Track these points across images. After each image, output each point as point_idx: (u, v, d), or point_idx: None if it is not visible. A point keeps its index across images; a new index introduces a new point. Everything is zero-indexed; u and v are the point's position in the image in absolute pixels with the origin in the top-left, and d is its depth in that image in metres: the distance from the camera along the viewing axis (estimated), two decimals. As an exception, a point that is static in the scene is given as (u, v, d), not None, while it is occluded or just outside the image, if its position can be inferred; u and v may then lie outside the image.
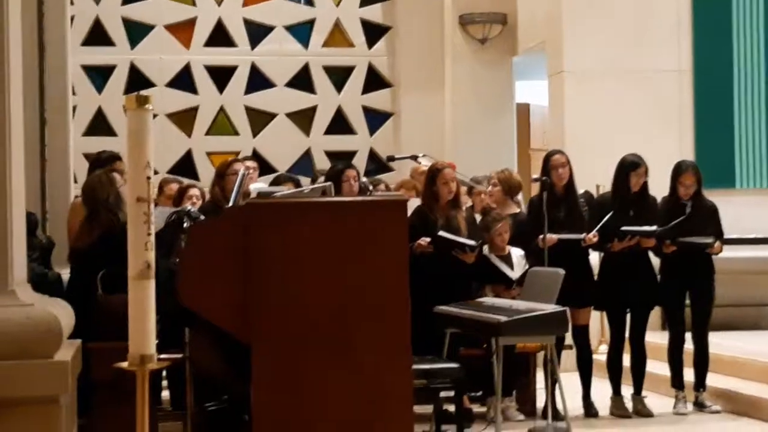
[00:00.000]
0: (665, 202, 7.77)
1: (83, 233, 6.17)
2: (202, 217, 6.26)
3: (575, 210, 7.67)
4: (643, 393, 7.72)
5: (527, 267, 7.47)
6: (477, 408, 7.53)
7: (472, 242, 7.21)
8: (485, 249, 7.55)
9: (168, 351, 4.79)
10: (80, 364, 4.50)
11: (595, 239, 7.49)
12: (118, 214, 6.03)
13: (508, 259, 7.61)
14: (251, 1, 12.53)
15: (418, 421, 5.99)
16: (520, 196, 8.68)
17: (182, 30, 12.40)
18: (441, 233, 7.15)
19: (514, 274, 7.46)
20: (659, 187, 7.80)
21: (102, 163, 7.10)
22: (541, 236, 7.42)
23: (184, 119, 12.36)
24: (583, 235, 7.49)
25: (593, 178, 8.72)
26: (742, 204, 10.05)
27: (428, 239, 7.14)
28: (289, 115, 12.53)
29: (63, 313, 4.08)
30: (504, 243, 7.59)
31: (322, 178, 8.25)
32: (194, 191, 7.91)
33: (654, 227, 7.53)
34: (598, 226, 7.49)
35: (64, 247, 6.83)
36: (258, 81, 12.48)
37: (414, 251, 6.80)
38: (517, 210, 8.06)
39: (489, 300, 6.95)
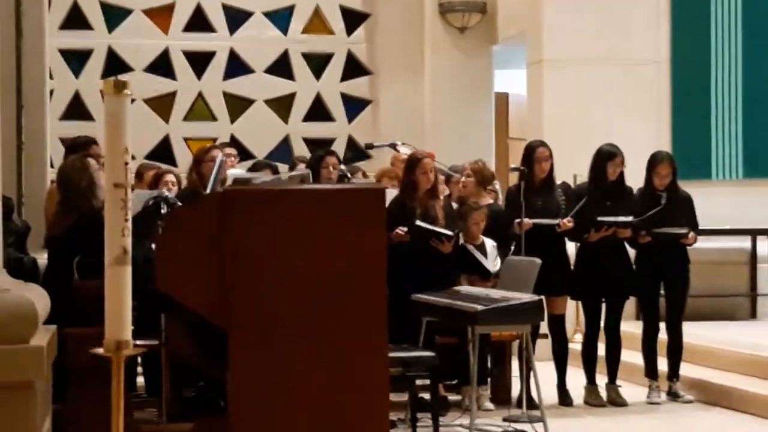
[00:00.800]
0: (641, 193, 7.80)
1: (57, 219, 6.15)
2: (180, 204, 6.24)
3: (553, 200, 7.70)
4: (618, 382, 7.76)
5: (498, 258, 7.49)
6: (452, 396, 7.55)
7: (449, 232, 7.23)
8: (461, 239, 7.57)
9: (144, 337, 4.78)
10: (56, 350, 4.49)
11: (570, 224, 7.51)
12: (91, 200, 6.00)
13: (481, 249, 7.63)
14: (230, -14, 12.49)
15: (394, 408, 6.01)
16: (497, 185, 8.70)
17: (160, 15, 12.34)
18: (418, 223, 7.16)
19: (492, 265, 7.48)
20: (636, 178, 7.84)
21: (78, 148, 7.07)
22: (518, 220, 7.44)
23: (162, 104, 12.32)
24: (558, 221, 7.52)
25: (571, 167, 8.75)
26: (718, 195, 10.10)
27: (405, 228, 7.15)
28: (268, 102, 12.50)
29: (39, 299, 4.07)
30: (479, 232, 7.61)
31: (301, 165, 8.25)
32: (170, 177, 7.90)
33: (630, 218, 7.56)
34: (573, 212, 7.52)
35: (40, 232, 6.81)
36: (236, 67, 12.44)
37: (391, 240, 6.80)
38: (491, 201, 8.08)
39: (465, 289, 6.97)
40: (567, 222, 7.51)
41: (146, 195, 6.38)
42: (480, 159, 8.49)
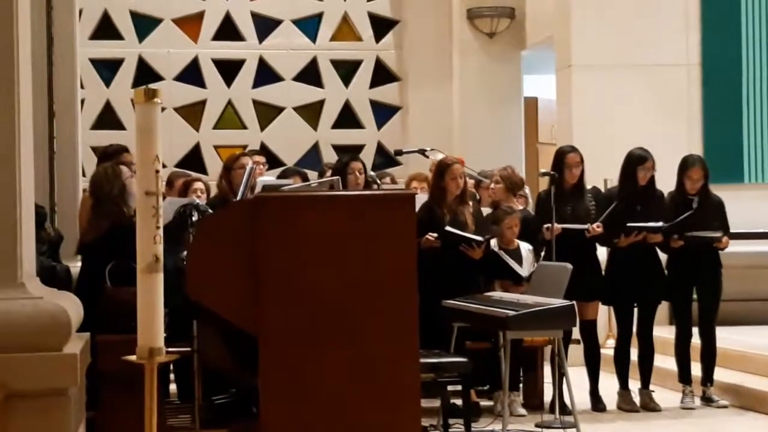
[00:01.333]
0: (672, 197, 7.76)
1: (90, 227, 6.18)
2: (210, 211, 6.26)
3: (582, 206, 7.67)
4: (651, 387, 7.72)
5: (535, 263, 7.47)
6: (484, 402, 7.53)
7: (479, 238, 7.21)
8: (495, 244, 7.56)
9: (176, 344, 4.80)
10: (89, 357, 4.51)
11: (599, 230, 7.48)
12: (123, 208, 6.03)
13: (516, 253, 7.62)
14: (259, -6, 12.54)
15: (426, 414, 6.00)
16: (527, 190, 8.68)
17: (190, 24, 12.40)
18: (448, 228, 7.15)
19: (524, 270, 7.46)
20: (667, 182, 7.80)
21: (109, 156, 7.11)
22: (546, 226, 7.42)
23: (192, 113, 12.37)
24: (587, 226, 7.49)
25: (601, 172, 8.71)
26: (750, 198, 10.03)
27: (435, 234, 7.14)
28: (297, 109, 12.54)
29: (71, 306, 4.09)
30: (513, 236, 7.60)
31: (329, 172, 8.26)
32: (199, 185, 7.93)
33: (660, 223, 7.52)
34: (603, 216, 7.49)
35: (73, 241, 6.85)
36: (266, 75, 12.48)
37: (421, 246, 6.80)
38: (521, 207, 8.06)
39: (496, 294, 6.95)
40: (596, 227, 7.48)
41: (177, 203, 6.41)
42: (509, 165, 8.47)
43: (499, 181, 8.10)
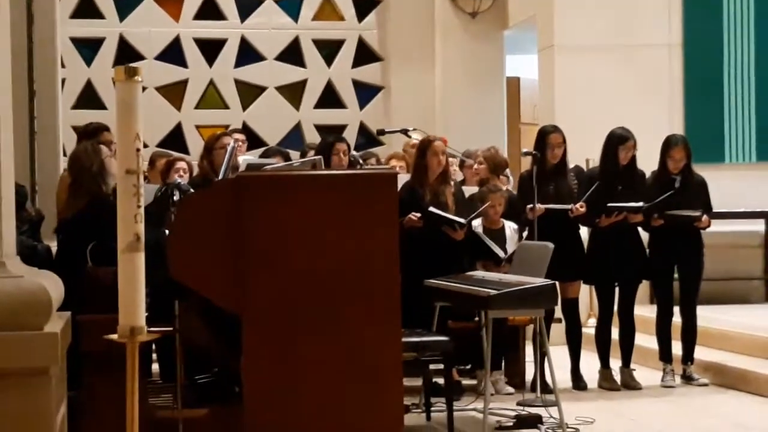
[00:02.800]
0: (654, 177, 7.78)
1: (67, 205, 6.15)
2: (192, 191, 6.24)
3: (565, 185, 7.68)
4: (632, 366, 7.76)
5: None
6: (466, 381, 7.56)
7: (461, 220, 7.22)
8: (479, 223, 7.57)
9: (157, 324, 4.79)
10: (70, 337, 4.50)
11: (583, 209, 7.50)
12: (101, 185, 6.00)
13: (501, 233, 7.63)
14: (241, -27, 12.48)
15: (408, 393, 6.02)
16: (508, 172, 8.69)
17: (171, 3, 12.33)
18: (431, 209, 7.15)
19: (503, 252, 7.48)
20: (649, 162, 7.82)
21: (89, 135, 7.07)
22: (530, 206, 7.43)
23: (174, 92, 12.32)
24: (570, 206, 7.51)
25: (583, 152, 8.73)
26: (731, 178, 10.07)
27: (418, 214, 7.15)
28: (279, 89, 12.50)
29: (52, 285, 4.08)
30: (497, 215, 7.62)
31: (311, 152, 8.25)
32: (181, 164, 7.91)
33: (640, 203, 7.54)
34: (585, 196, 7.51)
35: (54, 220, 6.83)
36: (248, 54, 12.43)
37: (404, 225, 6.80)
38: (504, 187, 8.08)
39: (478, 273, 6.97)
40: (579, 207, 7.50)
41: (154, 189, 6.38)
42: (492, 146, 8.48)
43: (483, 162, 8.11)
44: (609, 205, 7.51)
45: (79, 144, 6.79)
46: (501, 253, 7.45)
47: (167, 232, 5.24)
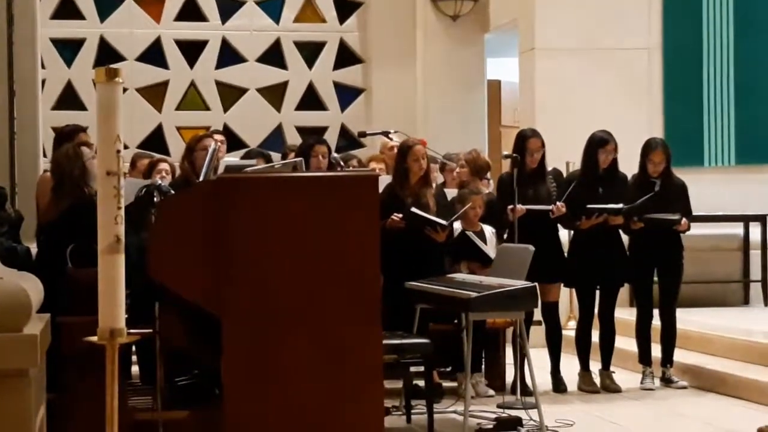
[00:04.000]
0: (634, 180, 7.81)
1: (50, 206, 6.14)
2: (172, 192, 6.23)
3: (544, 189, 7.70)
4: (611, 369, 7.78)
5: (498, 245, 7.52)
6: (447, 383, 7.57)
7: (443, 222, 7.23)
8: (458, 227, 7.58)
9: (137, 326, 4.78)
10: (50, 338, 4.49)
11: (564, 209, 7.51)
12: (83, 188, 5.99)
13: (480, 235, 7.65)
14: (222, -25, 12.46)
15: (389, 395, 6.03)
16: (489, 174, 8.71)
17: (152, 4, 12.30)
18: (413, 210, 7.16)
19: (492, 252, 7.50)
20: (629, 165, 7.85)
21: (66, 137, 7.05)
22: (510, 207, 7.44)
23: (155, 94, 12.29)
24: (551, 207, 7.53)
25: (563, 155, 8.76)
26: (710, 182, 10.12)
27: (400, 215, 7.15)
28: (260, 91, 12.48)
29: (32, 287, 4.07)
30: (476, 217, 7.63)
31: (292, 154, 8.24)
32: (164, 165, 7.89)
33: (620, 205, 7.57)
34: (564, 196, 7.52)
35: (34, 222, 6.80)
36: (229, 56, 12.41)
37: (386, 227, 6.81)
38: (486, 190, 8.09)
39: (459, 276, 6.98)
40: (560, 207, 7.51)
41: (138, 184, 6.37)
42: (474, 149, 8.51)
43: (465, 165, 8.13)
44: (588, 206, 7.53)
45: (59, 147, 6.77)
46: (491, 251, 7.48)
47: (147, 234, 5.23)
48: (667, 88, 10.59)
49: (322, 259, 4.48)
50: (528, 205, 7.50)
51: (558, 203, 7.52)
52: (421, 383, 6.56)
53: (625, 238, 7.83)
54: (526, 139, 7.73)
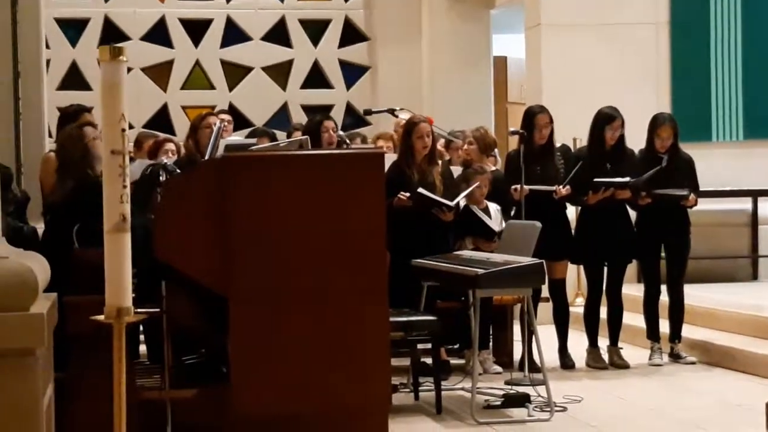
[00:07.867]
0: (642, 155, 7.78)
1: (55, 187, 6.14)
2: (178, 171, 6.22)
3: (551, 166, 7.67)
4: (619, 345, 7.77)
5: (503, 222, 7.50)
6: (454, 360, 7.57)
7: (450, 203, 7.21)
8: (463, 203, 7.57)
9: (145, 305, 4.78)
10: (56, 318, 4.49)
11: (565, 192, 7.49)
12: (86, 169, 5.98)
13: (486, 213, 7.63)
14: (226, -47, 12.42)
15: (396, 373, 6.02)
16: (496, 151, 8.69)
17: (156, -18, 12.29)
18: (421, 190, 7.14)
19: (497, 227, 7.49)
20: (636, 140, 7.81)
21: (69, 117, 7.04)
22: (514, 187, 7.42)
23: (160, 73, 12.28)
24: (554, 188, 7.50)
25: (570, 131, 8.73)
26: (718, 157, 10.09)
27: (407, 194, 7.13)
28: (266, 69, 12.46)
29: (38, 267, 4.06)
30: (482, 196, 7.61)
31: (297, 133, 8.22)
32: (170, 145, 7.87)
33: (627, 178, 7.54)
34: (569, 178, 7.50)
35: (39, 201, 6.80)
36: (234, 34, 12.39)
37: (393, 205, 6.80)
38: (494, 167, 8.07)
39: (466, 253, 6.97)
40: (563, 190, 7.49)
41: (145, 164, 6.36)
42: (482, 126, 8.47)
43: (473, 142, 8.10)
44: (595, 180, 7.50)
45: (60, 127, 6.76)
46: (495, 227, 7.46)
47: (153, 214, 5.22)
48: (675, 64, 10.54)
49: (328, 238, 4.47)
50: (535, 183, 7.47)
51: (559, 187, 7.48)
52: (429, 360, 6.56)
53: (632, 214, 7.81)
54: (534, 116, 7.69)
